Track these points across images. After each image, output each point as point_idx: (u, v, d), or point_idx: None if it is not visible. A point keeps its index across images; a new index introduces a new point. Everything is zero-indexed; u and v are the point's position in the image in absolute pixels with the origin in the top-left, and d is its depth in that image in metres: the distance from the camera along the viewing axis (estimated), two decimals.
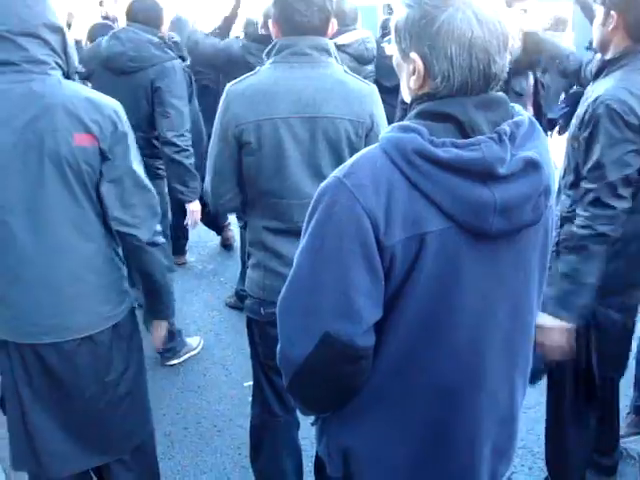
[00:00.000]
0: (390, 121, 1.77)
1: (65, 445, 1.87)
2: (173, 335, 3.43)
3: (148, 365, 2.15)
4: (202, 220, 3.70)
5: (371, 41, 3.79)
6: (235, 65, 3.39)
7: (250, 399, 2.37)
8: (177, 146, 3.18)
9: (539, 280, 1.25)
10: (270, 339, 1.92)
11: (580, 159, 2.01)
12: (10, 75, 1.70)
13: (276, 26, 1.97)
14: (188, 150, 3.23)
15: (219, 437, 2.99)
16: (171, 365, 3.53)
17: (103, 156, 1.74)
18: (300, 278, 1.14)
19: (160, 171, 3.37)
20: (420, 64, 1.10)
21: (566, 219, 2.11)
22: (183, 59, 3.47)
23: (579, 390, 2.24)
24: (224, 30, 4.12)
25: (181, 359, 3.57)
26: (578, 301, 1.99)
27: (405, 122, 1.12)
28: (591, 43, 2.24)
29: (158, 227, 1.90)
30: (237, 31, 4.56)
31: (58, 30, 1.74)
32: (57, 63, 1.75)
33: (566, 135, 2.20)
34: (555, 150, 1.37)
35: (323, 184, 1.12)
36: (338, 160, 1.86)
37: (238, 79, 1.99)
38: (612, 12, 2.00)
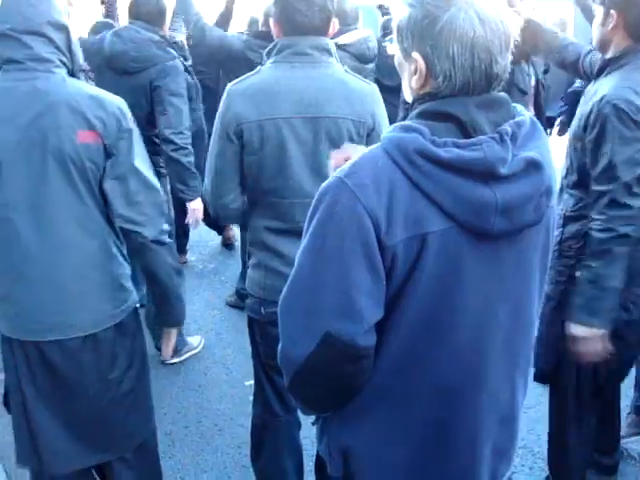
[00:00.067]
0: (392, 121, 1.77)
1: (67, 442, 1.87)
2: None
3: (149, 364, 2.15)
4: (203, 220, 3.71)
5: (372, 40, 3.79)
6: (235, 61, 3.39)
7: (251, 398, 2.37)
8: (175, 144, 3.18)
9: (540, 280, 1.25)
10: (271, 339, 1.92)
11: (588, 160, 1.99)
12: (14, 73, 1.71)
13: (277, 26, 1.97)
14: (186, 148, 3.23)
15: (220, 436, 2.99)
16: (172, 364, 3.53)
17: (107, 153, 1.74)
18: (301, 278, 1.14)
19: (161, 169, 3.38)
20: (422, 64, 1.10)
21: (569, 218, 2.10)
22: (185, 58, 3.47)
23: (582, 390, 2.24)
24: (221, 27, 4.12)
25: (182, 358, 3.57)
26: (606, 306, 1.98)
27: (407, 122, 1.12)
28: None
29: (165, 226, 1.88)
30: (238, 29, 4.56)
31: (63, 28, 1.75)
32: (62, 61, 1.76)
33: (566, 135, 2.20)
34: (555, 149, 1.37)
35: (324, 184, 1.12)
36: None
37: (239, 79, 1.99)
38: (612, 11, 2.00)
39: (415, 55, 1.10)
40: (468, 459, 1.24)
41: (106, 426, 1.91)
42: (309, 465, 2.40)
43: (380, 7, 4.52)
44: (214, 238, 5.34)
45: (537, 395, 2.71)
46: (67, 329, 1.80)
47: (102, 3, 3.86)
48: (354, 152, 1.33)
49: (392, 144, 1.09)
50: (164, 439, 2.86)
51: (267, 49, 2.00)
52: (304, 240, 1.14)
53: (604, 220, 1.94)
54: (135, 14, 3.31)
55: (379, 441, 1.23)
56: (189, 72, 3.57)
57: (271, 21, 2.00)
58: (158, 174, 3.29)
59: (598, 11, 2.06)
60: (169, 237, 1.91)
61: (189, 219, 3.45)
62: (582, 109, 2.06)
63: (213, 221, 4.79)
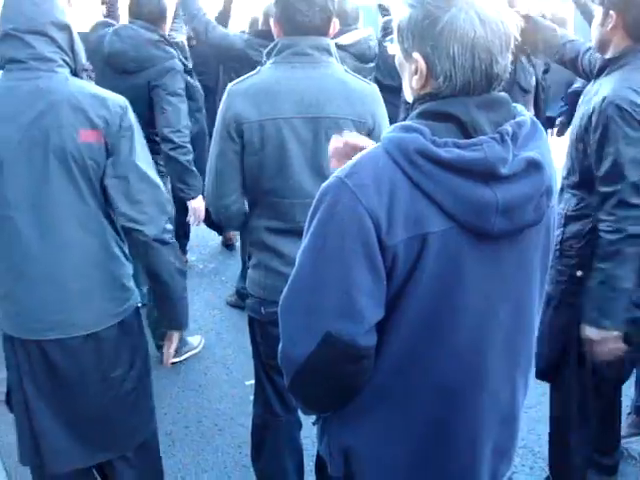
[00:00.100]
0: (392, 120, 1.77)
1: (69, 441, 1.87)
2: None
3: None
4: (204, 220, 3.71)
5: (373, 39, 3.79)
6: (236, 60, 3.39)
7: (251, 398, 2.37)
8: (173, 142, 3.19)
9: (541, 280, 1.25)
10: (271, 339, 1.92)
11: (592, 162, 1.99)
12: (17, 73, 1.72)
13: (277, 25, 1.97)
14: (184, 147, 3.24)
15: (220, 436, 2.99)
16: (172, 364, 3.52)
17: (108, 151, 1.75)
18: (302, 277, 1.14)
19: (162, 168, 3.38)
20: (422, 64, 1.10)
21: (570, 218, 2.11)
22: (186, 59, 3.46)
23: (584, 390, 2.24)
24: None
25: (182, 358, 3.57)
26: (618, 307, 1.98)
27: (407, 122, 1.12)
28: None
29: (168, 226, 1.86)
30: (239, 29, 4.56)
31: (65, 28, 1.76)
32: (64, 60, 1.77)
33: (566, 135, 2.20)
34: (555, 150, 1.37)
35: (325, 184, 1.12)
36: None
37: (239, 79, 1.99)
38: (611, 12, 2.00)
39: (416, 55, 1.10)
40: (468, 459, 1.24)
41: (107, 425, 1.91)
42: (309, 465, 2.40)
43: (380, 7, 4.51)
44: (214, 238, 5.34)
45: (538, 395, 2.71)
46: (69, 328, 1.80)
47: (103, 3, 3.85)
48: (354, 139, 1.34)
49: (393, 144, 1.09)
50: (164, 439, 2.86)
51: (267, 49, 2.01)
52: (305, 240, 1.14)
53: (613, 221, 1.94)
54: (136, 13, 3.31)
55: (380, 441, 1.23)
56: (190, 74, 3.57)
57: (271, 21, 2.00)
58: (159, 173, 3.30)
59: (597, 11, 2.07)
60: (172, 236, 1.89)
61: (190, 218, 3.45)
62: (583, 109, 2.05)
63: (213, 221, 4.80)
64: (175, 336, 2.03)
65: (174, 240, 1.90)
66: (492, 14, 1.07)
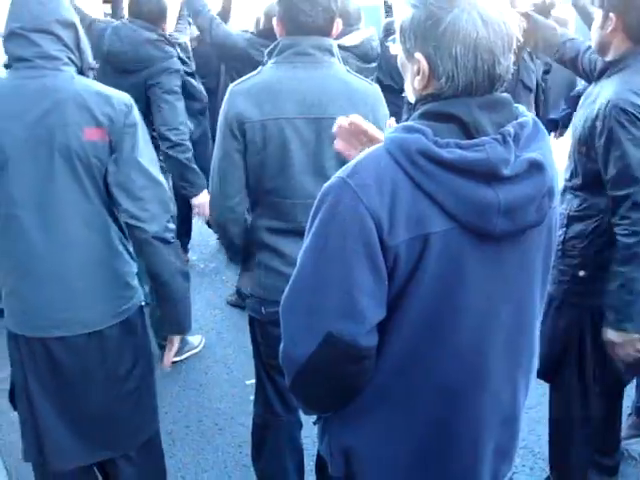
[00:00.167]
0: (396, 121, 1.76)
1: (71, 439, 1.87)
2: None
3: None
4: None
5: (375, 39, 3.80)
6: (238, 59, 3.39)
7: (252, 397, 2.37)
8: (170, 141, 3.19)
9: (543, 280, 1.25)
10: (272, 338, 1.92)
11: (601, 166, 1.98)
12: (23, 71, 1.73)
13: (280, 24, 1.97)
14: (182, 145, 3.24)
15: (220, 435, 2.99)
16: (173, 363, 3.52)
17: (112, 149, 1.75)
18: (303, 277, 1.14)
19: (162, 164, 3.38)
20: (425, 64, 1.10)
21: (573, 218, 2.11)
22: (189, 59, 3.46)
23: (586, 390, 2.24)
24: None
25: (183, 357, 3.57)
26: (639, 310, 1.97)
27: (409, 122, 1.12)
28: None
29: (171, 225, 1.85)
30: (243, 28, 4.56)
31: (71, 26, 1.77)
32: (70, 59, 1.78)
33: (564, 137, 2.20)
34: (557, 151, 1.37)
35: (327, 184, 1.12)
36: (342, 161, 1.86)
37: (241, 79, 1.99)
38: (611, 14, 1.99)
39: (418, 56, 1.10)
40: (470, 459, 1.24)
41: (111, 423, 1.91)
42: (310, 465, 2.40)
43: (386, 5, 4.51)
44: (215, 237, 5.34)
45: (538, 395, 2.71)
46: (73, 326, 1.81)
47: (105, 2, 3.86)
48: (359, 120, 1.37)
49: (394, 144, 1.09)
50: (165, 438, 2.85)
51: (269, 49, 2.01)
52: (306, 240, 1.14)
53: (629, 224, 1.93)
54: (135, 12, 3.31)
55: (381, 441, 1.23)
56: (193, 76, 3.57)
57: (274, 20, 2.00)
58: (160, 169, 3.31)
59: (597, 14, 2.06)
60: (174, 235, 1.87)
61: (195, 214, 3.44)
62: (585, 112, 2.05)
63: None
64: (176, 339, 2.01)
65: (176, 240, 1.88)
66: (495, 15, 1.07)
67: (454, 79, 1.08)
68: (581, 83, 3.99)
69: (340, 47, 2.05)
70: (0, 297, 1.91)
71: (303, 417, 2.27)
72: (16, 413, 1.97)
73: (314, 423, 1.38)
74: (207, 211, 3.40)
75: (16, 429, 2.05)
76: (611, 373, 2.21)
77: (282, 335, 1.18)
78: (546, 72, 4.50)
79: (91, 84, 1.80)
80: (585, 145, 2.02)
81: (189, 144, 3.28)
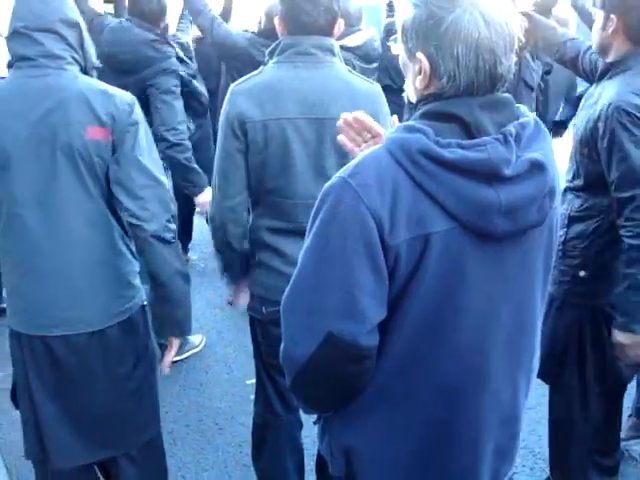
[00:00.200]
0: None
1: (72, 437, 1.87)
2: None
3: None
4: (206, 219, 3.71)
5: (377, 39, 3.80)
6: (239, 59, 3.39)
7: (252, 397, 2.37)
8: (168, 141, 3.19)
9: (543, 280, 1.25)
10: (272, 338, 1.92)
11: (604, 168, 1.98)
12: (27, 70, 1.74)
13: (282, 23, 1.97)
14: (181, 145, 3.24)
15: (220, 435, 2.99)
16: (173, 362, 3.52)
17: (114, 147, 1.75)
18: (304, 277, 1.14)
19: (164, 163, 3.38)
20: (426, 64, 1.10)
21: (574, 218, 2.11)
22: (190, 59, 3.45)
23: (586, 391, 2.24)
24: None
25: (183, 356, 3.57)
26: None
27: (410, 122, 1.12)
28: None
29: (171, 225, 1.83)
30: (240, 27, 4.56)
31: (75, 25, 1.78)
32: (74, 58, 1.78)
33: (562, 137, 2.19)
34: (558, 152, 1.37)
35: (328, 184, 1.12)
36: (344, 161, 1.86)
37: (242, 79, 1.99)
38: (612, 16, 1.99)
39: (419, 55, 1.10)
40: (470, 459, 1.24)
41: (112, 422, 1.91)
42: (310, 465, 2.40)
43: (389, 6, 4.52)
44: None
45: (539, 396, 2.70)
46: (76, 325, 1.81)
47: (107, 1, 3.86)
48: (363, 116, 1.40)
49: (395, 144, 1.09)
50: (165, 437, 2.84)
51: (270, 48, 2.00)
52: (307, 240, 1.14)
53: (634, 225, 1.93)
54: (135, 11, 3.30)
55: (381, 441, 1.23)
56: (194, 77, 3.57)
57: (276, 19, 2.00)
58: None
59: (598, 15, 2.06)
60: (175, 236, 1.85)
61: (198, 212, 3.43)
62: (586, 113, 2.05)
63: None
64: (175, 342, 1.98)
65: (177, 241, 1.87)
66: (496, 15, 1.07)
67: (455, 79, 1.08)
68: (582, 85, 3.98)
69: (343, 48, 2.05)
70: (1, 296, 1.91)
71: (303, 417, 2.27)
72: (17, 412, 1.98)
73: (314, 423, 1.38)
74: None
75: (16, 428, 2.05)
76: (611, 373, 2.21)
77: (283, 335, 1.18)
78: (547, 72, 4.50)
79: (94, 83, 1.80)
80: (587, 146, 2.02)
81: (188, 144, 3.28)
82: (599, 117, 1.95)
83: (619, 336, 2.02)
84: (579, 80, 3.88)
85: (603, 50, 2.09)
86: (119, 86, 1.93)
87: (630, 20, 1.98)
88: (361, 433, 1.24)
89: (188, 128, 3.40)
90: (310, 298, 1.13)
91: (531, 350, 1.27)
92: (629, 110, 1.89)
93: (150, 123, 3.20)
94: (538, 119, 1.18)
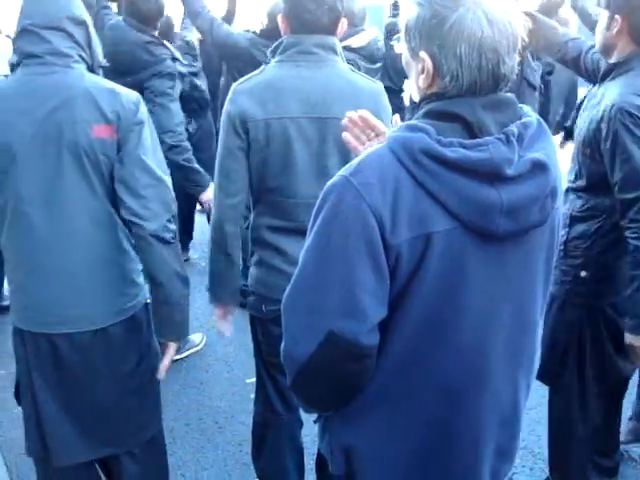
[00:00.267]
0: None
1: (75, 435, 1.87)
2: None
3: None
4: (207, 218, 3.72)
5: (380, 39, 3.81)
6: (240, 59, 3.39)
7: (252, 396, 2.38)
8: (166, 144, 3.18)
9: (545, 281, 1.25)
10: (273, 337, 1.92)
11: (607, 169, 1.98)
12: (34, 67, 1.74)
13: (285, 22, 1.97)
14: (179, 146, 3.24)
15: (220, 433, 2.99)
16: (173, 361, 3.52)
17: (119, 146, 1.75)
18: (305, 276, 1.14)
19: None
20: (429, 63, 1.10)
21: (576, 218, 2.10)
22: (194, 57, 3.45)
23: (587, 391, 2.23)
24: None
25: (183, 355, 3.57)
26: None
27: (413, 121, 1.12)
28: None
29: (171, 225, 1.83)
30: (244, 28, 4.57)
31: (82, 23, 1.78)
32: (81, 56, 1.78)
33: (560, 136, 2.19)
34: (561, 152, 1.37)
35: (329, 182, 1.12)
36: (345, 160, 1.86)
37: (244, 78, 1.99)
38: (616, 16, 1.99)
39: (423, 54, 1.10)
40: (470, 459, 1.24)
41: (115, 420, 1.91)
42: (310, 463, 2.40)
43: (394, 6, 4.52)
44: None
45: (539, 396, 2.71)
46: (80, 322, 1.81)
47: (111, 1, 3.85)
48: (367, 115, 1.42)
49: (398, 143, 1.09)
50: (165, 436, 2.84)
51: (272, 47, 2.00)
52: (308, 239, 1.14)
53: (638, 227, 1.92)
54: (132, 12, 3.30)
55: (381, 440, 1.23)
56: (197, 75, 3.56)
57: (279, 17, 1.99)
58: None
59: (602, 15, 2.06)
60: (174, 236, 1.84)
61: (200, 210, 3.42)
62: (590, 113, 2.04)
63: None
64: (172, 346, 1.96)
65: (176, 241, 1.86)
66: (500, 14, 1.07)
67: (458, 78, 1.08)
68: (583, 86, 3.98)
69: (347, 49, 2.05)
70: (3, 293, 1.91)
71: (303, 416, 2.28)
72: (18, 410, 1.98)
73: (314, 422, 1.38)
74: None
75: (17, 425, 2.05)
76: (611, 374, 2.21)
77: (283, 333, 1.18)
78: (549, 73, 4.49)
79: (101, 81, 1.80)
80: (589, 147, 2.02)
81: (186, 144, 3.28)
82: (602, 118, 1.95)
83: (631, 339, 2.01)
84: (580, 81, 3.87)
85: (607, 50, 2.08)
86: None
87: (635, 21, 1.98)
88: (361, 432, 1.24)
89: (187, 129, 3.40)
90: (311, 297, 1.13)
91: (532, 350, 1.27)
92: (632, 111, 1.89)
93: None
94: (541, 119, 1.18)
